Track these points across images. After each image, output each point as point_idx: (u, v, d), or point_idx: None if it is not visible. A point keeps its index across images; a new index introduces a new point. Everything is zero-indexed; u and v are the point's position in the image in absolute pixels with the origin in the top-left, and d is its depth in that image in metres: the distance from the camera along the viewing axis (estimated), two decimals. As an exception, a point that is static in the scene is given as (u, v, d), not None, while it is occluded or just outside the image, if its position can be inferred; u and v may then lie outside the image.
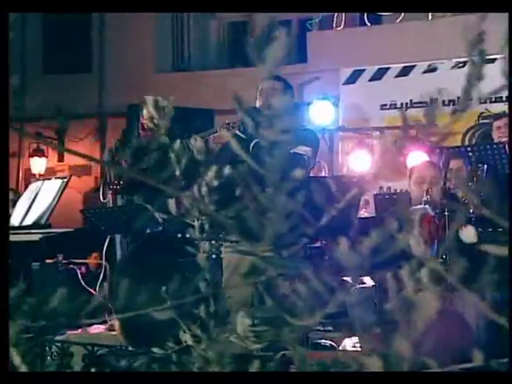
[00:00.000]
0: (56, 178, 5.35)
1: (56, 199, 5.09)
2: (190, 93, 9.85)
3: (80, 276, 6.39)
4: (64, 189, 5.14)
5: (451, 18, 9.08)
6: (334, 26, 9.59)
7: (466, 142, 7.51)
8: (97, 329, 6.56)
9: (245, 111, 3.51)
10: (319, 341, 5.31)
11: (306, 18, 10.41)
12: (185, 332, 1.88)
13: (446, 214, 4.57)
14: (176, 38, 10.55)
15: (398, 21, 9.32)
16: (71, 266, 6.42)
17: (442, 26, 8.91)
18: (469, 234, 4.50)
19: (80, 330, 6.45)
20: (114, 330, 6.32)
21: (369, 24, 9.44)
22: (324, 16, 9.68)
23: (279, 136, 3.48)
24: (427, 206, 4.65)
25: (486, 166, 5.89)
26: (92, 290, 6.38)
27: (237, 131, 4.41)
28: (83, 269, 6.56)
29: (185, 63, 10.62)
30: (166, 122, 1.61)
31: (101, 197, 6.29)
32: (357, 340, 5.14)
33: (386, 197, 5.85)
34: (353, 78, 8.12)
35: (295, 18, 10.68)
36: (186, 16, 10.53)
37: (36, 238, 4.74)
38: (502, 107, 7.41)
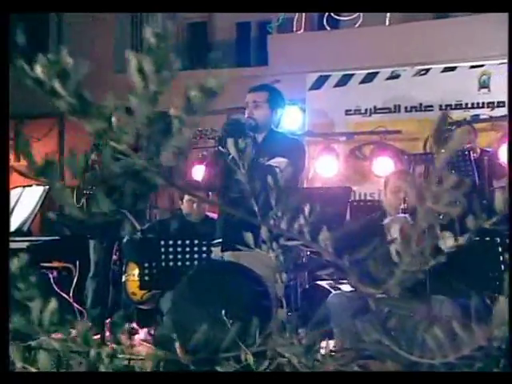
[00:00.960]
0: (37, 184, 5.33)
1: (38, 206, 5.09)
2: (150, 94, 9.87)
3: (52, 280, 6.40)
4: (46, 196, 5.14)
5: (408, 23, 9.34)
6: (294, 29, 9.74)
7: (428, 148, 7.73)
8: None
9: (225, 125, 3.57)
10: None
11: (266, 20, 10.52)
12: (247, 353, 1.99)
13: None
14: (135, 38, 10.54)
15: (357, 25, 9.52)
16: (43, 270, 6.40)
17: (400, 32, 9.15)
18: (447, 242, 4.66)
19: (52, 335, 6.47)
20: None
21: (328, 28, 9.61)
22: (284, 19, 9.80)
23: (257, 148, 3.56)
24: (407, 215, 4.78)
25: (453, 172, 6.11)
26: (65, 295, 6.40)
27: (220, 147, 4.47)
28: (55, 273, 6.53)
29: (145, 64, 10.60)
30: (245, 163, 1.70)
31: (75, 201, 6.28)
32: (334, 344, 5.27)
33: (361, 204, 6.02)
34: (318, 84, 8.26)
35: (254, 20, 10.79)
36: (145, 16, 10.52)
37: (20, 245, 4.74)
38: (462, 114, 7.67)
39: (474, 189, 6.28)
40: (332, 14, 9.65)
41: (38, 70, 1.05)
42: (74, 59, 1.07)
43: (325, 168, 7.59)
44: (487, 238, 4.69)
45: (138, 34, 10.56)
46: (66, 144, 10.29)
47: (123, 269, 5.81)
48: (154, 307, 5.70)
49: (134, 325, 6.41)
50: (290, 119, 7.84)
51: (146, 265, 5.16)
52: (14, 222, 5.02)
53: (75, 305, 6.46)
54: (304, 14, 9.73)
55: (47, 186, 5.27)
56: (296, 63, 9.15)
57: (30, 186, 5.28)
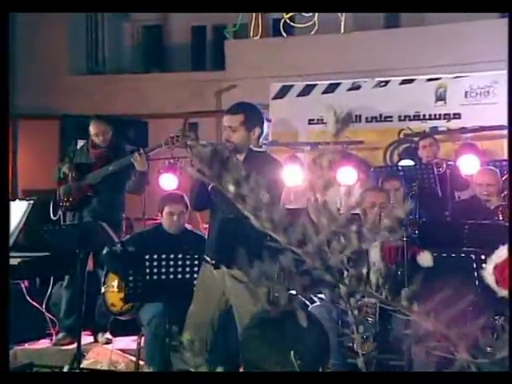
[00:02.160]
0: (20, 199, 5.36)
1: (23, 221, 5.12)
2: (105, 96, 9.87)
3: (25, 291, 6.41)
4: (30, 211, 5.17)
5: (361, 32, 9.63)
6: (251, 35, 9.90)
7: (388, 158, 8.01)
8: (42, 344, 6.59)
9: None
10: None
11: (221, 23, 10.67)
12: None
13: (405, 239, 4.95)
14: (90, 39, 10.49)
15: (313, 33, 9.74)
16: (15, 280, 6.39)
17: (354, 40, 9.42)
18: (425, 259, 4.91)
19: (26, 345, 6.47)
20: (62, 345, 6.38)
21: (285, 34, 9.81)
22: (241, 25, 9.95)
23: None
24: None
25: (418, 185, 6.35)
26: (37, 305, 6.42)
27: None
28: (26, 283, 6.54)
29: (99, 66, 10.58)
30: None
31: (51, 214, 6.34)
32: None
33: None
34: (282, 93, 8.43)
35: (209, 23, 10.90)
36: (100, 17, 10.48)
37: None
38: (421, 125, 7.97)
39: (437, 201, 6.55)
40: (288, 20, 9.84)
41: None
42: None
43: (290, 177, 7.75)
44: (462, 255, 4.97)
45: (92, 35, 10.51)
46: (19, 146, 10.21)
47: (102, 280, 5.87)
48: (133, 318, 5.78)
49: (108, 335, 6.50)
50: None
51: (131, 278, 5.24)
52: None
53: (47, 314, 6.51)
54: (260, 20, 9.90)
55: (31, 201, 5.30)
56: (253, 69, 9.32)
57: (14, 200, 5.30)
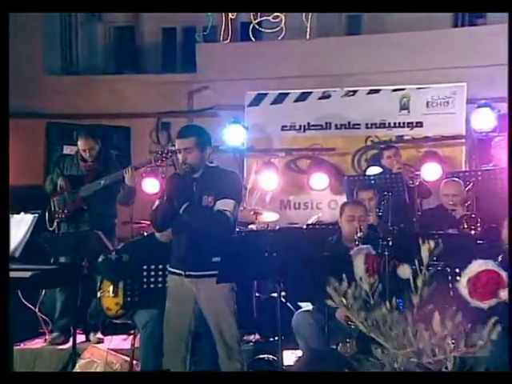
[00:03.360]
0: (25, 212, 5.62)
1: (28, 234, 5.40)
2: (79, 96, 10.07)
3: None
4: (36, 224, 5.46)
5: (325, 38, 10.08)
6: (221, 39, 10.24)
7: (355, 164, 8.51)
8: (36, 344, 6.90)
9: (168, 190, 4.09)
10: (262, 356, 6.01)
11: (191, 25, 10.96)
12: None
13: (386, 253, 5.37)
14: (64, 40, 10.64)
15: (280, 38, 10.14)
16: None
17: (318, 45, 9.85)
18: (404, 271, 5.34)
19: (22, 345, 6.77)
20: (56, 344, 6.68)
21: (253, 39, 10.20)
22: (212, 28, 10.28)
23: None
24: (369, 246, 5.35)
25: (390, 194, 6.81)
26: (31, 306, 6.73)
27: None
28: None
29: (73, 66, 10.76)
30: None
31: (47, 225, 6.69)
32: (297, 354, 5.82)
33: (316, 227, 6.64)
34: (257, 101, 8.82)
35: (179, 25, 11.18)
36: (73, 18, 10.64)
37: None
38: (387, 133, 8.48)
39: (407, 210, 7.00)
40: (256, 25, 10.22)
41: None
42: None
43: (265, 183, 8.19)
44: (439, 268, 5.45)
45: (66, 35, 10.67)
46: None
47: (98, 285, 6.22)
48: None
49: (100, 334, 6.85)
50: (233, 136, 8.41)
51: (129, 287, 5.60)
52: (5, 249, 5.27)
53: (41, 315, 6.84)
54: (230, 24, 10.25)
55: (36, 214, 5.61)
56: (224, 72, 9.69)
57: (18, 213, 5.54)
